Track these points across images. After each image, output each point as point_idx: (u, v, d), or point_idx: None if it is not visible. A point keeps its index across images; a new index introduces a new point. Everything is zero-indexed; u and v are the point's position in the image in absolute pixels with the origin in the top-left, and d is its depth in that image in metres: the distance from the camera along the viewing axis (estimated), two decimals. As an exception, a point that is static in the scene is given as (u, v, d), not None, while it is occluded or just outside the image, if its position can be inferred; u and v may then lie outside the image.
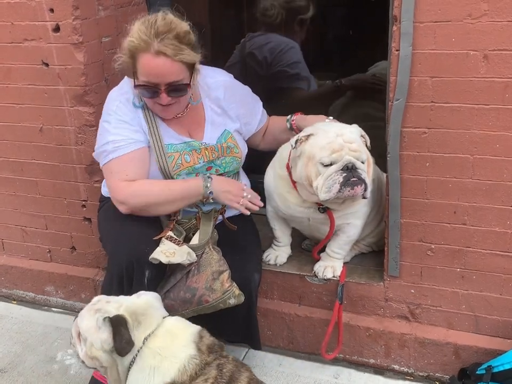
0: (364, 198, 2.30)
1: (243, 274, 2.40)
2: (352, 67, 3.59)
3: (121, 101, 2.40)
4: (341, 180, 2.22)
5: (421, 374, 2.60)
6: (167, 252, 2.23)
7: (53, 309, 3.30)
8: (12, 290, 3.38)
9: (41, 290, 3.30)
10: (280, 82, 3.55)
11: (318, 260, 2.72)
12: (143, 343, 1.88)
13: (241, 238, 2.54)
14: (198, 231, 2.40)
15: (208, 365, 1.85)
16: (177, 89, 2.28)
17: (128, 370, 1.90)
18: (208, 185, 2.33)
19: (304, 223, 2.61)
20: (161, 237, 2.30)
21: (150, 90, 2.28)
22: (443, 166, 2.29)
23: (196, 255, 2.30)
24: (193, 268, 2.32)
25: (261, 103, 2.71)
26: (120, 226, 2.34)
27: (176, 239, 2.31)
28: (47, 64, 2.76)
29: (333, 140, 2.25)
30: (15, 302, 3.38)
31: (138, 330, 1.89)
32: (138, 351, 1.88)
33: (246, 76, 3.46)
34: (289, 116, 2.65)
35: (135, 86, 2.31)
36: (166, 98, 2.28)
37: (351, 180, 2.22)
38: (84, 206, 3.03)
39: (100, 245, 2.77)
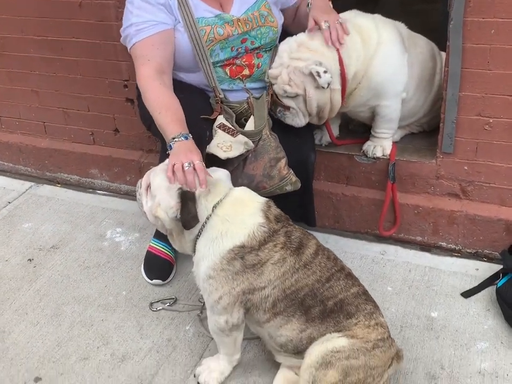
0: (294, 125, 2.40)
1: (299, 157, 2.37)
2: None
3: None
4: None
5: (468, 250, 2.61)
6: (223, 145, 2.18)
7: (98, 191, 3.34)
8: (56, 173, 3.41)
9: (85, 173, 3.32)
10: None
11: (338, 145, 2.71)
12: (212, 211, 1.89)
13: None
14: (252, 116, 2.33)
15: (276, 233, 1.86)
16: None
17: (197, 239, 1.91)
18: (172, 144, 2.04)
19: None
20: (210, 119, 2.26)
21: None
22: (509, 33, 2.16)
23: (253, 142, 2.25)
24: (250, 154, 2.28)
25: None
26: None
27: (229, 127, 2.26)
28: None
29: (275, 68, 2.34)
30: (59, 185, 3.42)
31: (207, 198, 1.89)
32: (207, 219, 1.88)
33: None
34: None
35: None
36: None
37: (277, 109, 2.37)
38: (125, 86, 2.97)
39: (143, 127, 2.71)
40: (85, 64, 3.00)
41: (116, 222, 3.03)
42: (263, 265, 1.83)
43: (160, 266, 2.58)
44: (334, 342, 1.79)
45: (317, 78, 2.22)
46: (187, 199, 1.86)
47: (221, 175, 2.01)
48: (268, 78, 2.38)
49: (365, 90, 2.39)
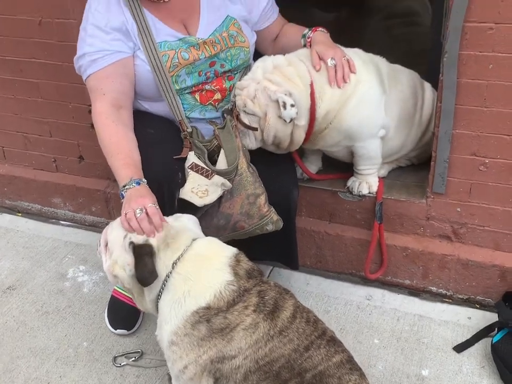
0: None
1: (281, 193, 2.16)
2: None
3: (100, 1, 2.06)
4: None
5: (460, 296, 2.43)
6: (198, 190, 1.97)
7: (61, 222, 3.10)
8: (16, 201, 3.17)
9: (47, 202, 3.08)
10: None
11: (317, 180, 2.50)
12: (173, 268, 1.67)
13: (271, 152, 2.26)
14: (222, 151, 2.09)
15: (248, 292, 1.64)
16: None
17: (158, 299, 1.70)
18: (123, 192, 1.88)
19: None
20: (182, 157, 2.05)
21: None
22: (509, 69, 1.98)
23: (229, 179, 2.03)
24: (225, 192, 2.06)
25: None
26: (139, 147, 2.03)
27: (203, 168, 2.03)
28: None
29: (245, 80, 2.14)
30: (20, 214, 3.18)
31: (165, 254, 1.67)
32: (168, 277, 1.67)
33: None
34: (306, 31, 2.23)
35: None
36: None
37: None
38: (90, 111, 2.72)
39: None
40: (46, 87, 2.76)
41: (79, 258, 2.79)
42: (232, 329, 1.61)
43: (125, 314, 2.36)
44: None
45: (282, 108, 2.02)
46: (142, 253, 1.66)
47: (185, 222, 1.80)
48: (233, 95, 2.17)
49: (336, 132, 2.18)
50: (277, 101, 2.04)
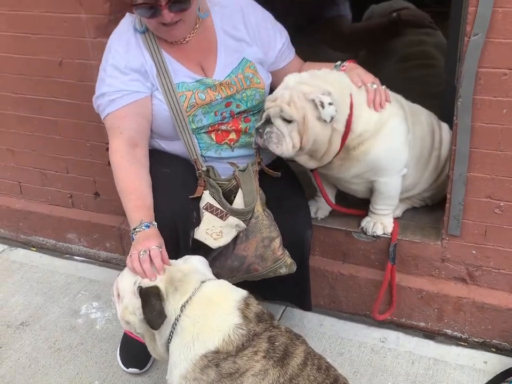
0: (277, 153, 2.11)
1: (294, 233, 2.16)
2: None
3: (120, 42, 2.12)
4: (258, 126, 2.12)
5: (476, 340, 2.39)
6: (213, 232, 1.99)
7: (76, 257, 3.11)
8: (31, 236, 3.19)
9: (62, 237, 3.10)
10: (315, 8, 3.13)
11: (337, 210, 2.48)
12: (181, 311, 1.67)
13: (285, 190, 2.28)
14: (240, 191, 2.12)
15: (258, 336, 1.63)
16: (179, 1, 1.96)
17: (169, 342, 1.69)
18: (134, 235, 1.92)
19: (327, 177, 2.38)
20: (196, 196, 2.08)
21: (149, 8, 1.96)
22: (523, 113, 1.99)
23: (244, 220, 2.04)
24: (241, 234, 2.08)
25: (286, 34, 2.32)
26: (155, 186, 2.07)
27: (217, 209, 2.06)
28: (66, -12, 2.45)
29: (277, 91, 2.11)
30: (34, 249, 3.19)
31: (174, 297, 1.68)
32: (177, 320, 1.67)
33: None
34: (339, 62, 2.25)
35: (134, 6, 1.99)
36: (168, 14, 1.96)
37: (264, 130, 2.08)
38: (108, 149, 2.76)
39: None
40: (64, 125, 2.81)
41: (92, 295, 2.80)
42: (241, 375, 1.58)
43: (137, 353, 2.34)
44: None
45: (320, 108, 1.98)
46: (149, 295, 1.66)
47: (195, 264, 1.80)
48: (264, 108, 2.13)
49: (362, 158, 2.16)
50: (313, 102, 1.99)
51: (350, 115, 2.07)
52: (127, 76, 2.10)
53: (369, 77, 2.15)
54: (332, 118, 2.00)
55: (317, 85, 2.03)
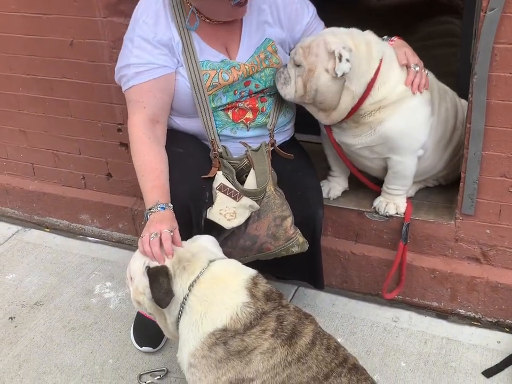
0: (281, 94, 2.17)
1: (306, 213, 2.15)
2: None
3: (149, 13, 2.08)
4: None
5: (489, 319, 2.38)
6: (227, 213, 1.99)
7: (89, 238, 3.13)
8: (45, 217, 3.21)
9: (75, 218, 3.12)
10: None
11: (377, 192, 2.45)
12: (189, 290, 1.67)
13: (297, 170, 2.27)
14: (252, 170, 2.12)
15: (266, 315, 1.62)
16: None
17: (178, 321, 1.70)
18: (148, 215, 1.91)
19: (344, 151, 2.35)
20: (209, 177, 2.08)
21: None
22: (540, 90, 1.96)
23: (256, 201, 2.04)
24: (253, 213, 2.07)
25: (314, 8, 2.28)
26: (169, 166, 2.06)
27: (231, 189, 2.05)
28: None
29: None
30: (48, 230, 3.21)
31: (182, 277, 1.68)
32: (185, 299, 1.67)
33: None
34: (385, 37, 2.22)
35: None
36: None
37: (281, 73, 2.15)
38: (119, 130, 2.77)
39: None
40: (76, 106, 2.81)
41: (105, 274, 2.82)
42: (250, 352, 1.58)
43: (150, 332, 2.35)
44: None
45: (337, 60, 1.98)
46: (157, 274, 1.67)
47: (203, 243, 1.80)
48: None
49: (376, 126, 2.14)
50: (333, 53, 1.99)
51: (374, 80, 2.07)
52: (157, 49, 2.07)
53: (415, 58, 2.15)
54: (343, 74, 2.00)
55: (344, 39, 2.03)
